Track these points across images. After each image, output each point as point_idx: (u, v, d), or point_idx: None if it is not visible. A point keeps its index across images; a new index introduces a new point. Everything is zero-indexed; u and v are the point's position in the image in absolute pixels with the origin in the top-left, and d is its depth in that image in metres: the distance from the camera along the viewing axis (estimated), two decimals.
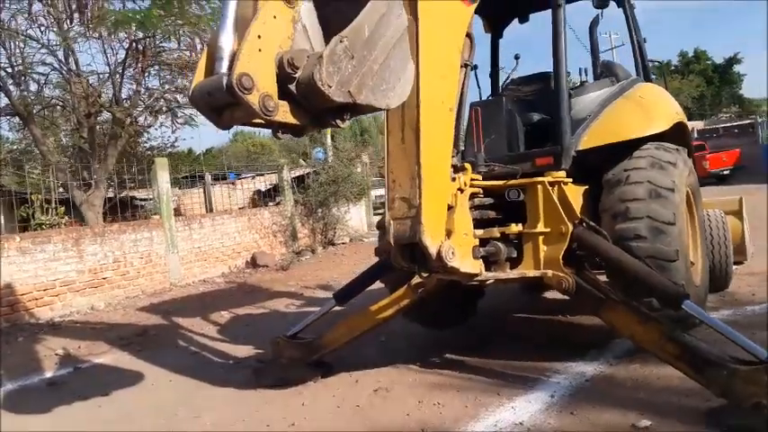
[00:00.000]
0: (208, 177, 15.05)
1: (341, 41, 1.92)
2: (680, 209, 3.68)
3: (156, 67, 11.15)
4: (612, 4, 4.65)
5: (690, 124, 4.97)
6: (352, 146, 15.74)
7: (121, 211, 10.50)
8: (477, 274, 3.28)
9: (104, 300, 8.14)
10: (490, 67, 5.51)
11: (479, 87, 4.93)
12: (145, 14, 8.90)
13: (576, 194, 3.86)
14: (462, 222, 3.21)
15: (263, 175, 17.31)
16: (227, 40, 1.94)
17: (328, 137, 15.33)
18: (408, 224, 2.82)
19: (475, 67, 4.60)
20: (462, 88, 4.33)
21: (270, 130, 2.14)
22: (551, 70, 4.12)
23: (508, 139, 4.32)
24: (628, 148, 3.89)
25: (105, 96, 11.07)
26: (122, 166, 10.77)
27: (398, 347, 4.67)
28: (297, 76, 1.92)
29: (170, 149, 14.13)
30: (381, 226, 4.35)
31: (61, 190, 10.47)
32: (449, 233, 3.03)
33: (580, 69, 4.84)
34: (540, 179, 3.68)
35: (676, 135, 4.20)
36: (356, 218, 14.25)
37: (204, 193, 14.73)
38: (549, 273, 3.49)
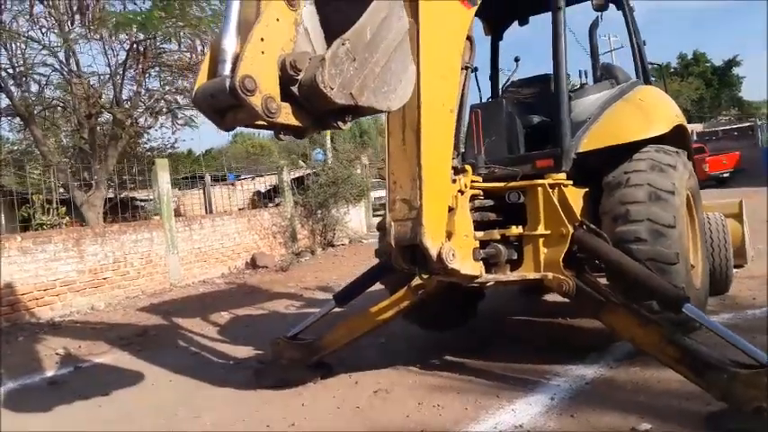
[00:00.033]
0: (207, 178, 15.06)
1: (343, 44, 1.92)
2: (680, 212, 3.68)
3: (157, 69, 11.17)
4: (612, 7, 4.67)
5: (689, 127, 4.98)
6: (352, 147, 15.76)
7: (122, 211, 10.50)
8: (477, 276, 3.27)
9: (104, 300, 8.14)
10: (490, 69, 5.54)
11: (480, 89, 4.95)
12: (146, 16, 8.91)
13: (576, 197, 3.86)
14: (463, 224, 3.21)
15: (262, 176, 17.35)
16: (229, 43, 1.94)
17: (328, 138, 15.36)
18: (409, 226, 2.82)
19: (475, 70, 4.61)
20: (463, 90, 4.33)
21: (271, 132, 2.14)
22: (551, 72, 4.13)
23: (508, 142, 4.33)
24: (628, 150, 3.90)
25: (106, 97, 11.08)
26: (123, 166, 10.79)
27: (398, 349, 4.67)
28: (299, 78, 1.92)
29: (170, 150, 14.16)
30: (382, 227, 4.35)
31: (62, 190, 10.47)
32: (449, 235, 3.02)
33: (580, 72, 4.86)
34: (540, 181, 3.68)
35: (676, 138, 4.21)
36: (356, 219, 14.25)
37: (204, 193, 14.75)
38: (550, 275, 3.48)
